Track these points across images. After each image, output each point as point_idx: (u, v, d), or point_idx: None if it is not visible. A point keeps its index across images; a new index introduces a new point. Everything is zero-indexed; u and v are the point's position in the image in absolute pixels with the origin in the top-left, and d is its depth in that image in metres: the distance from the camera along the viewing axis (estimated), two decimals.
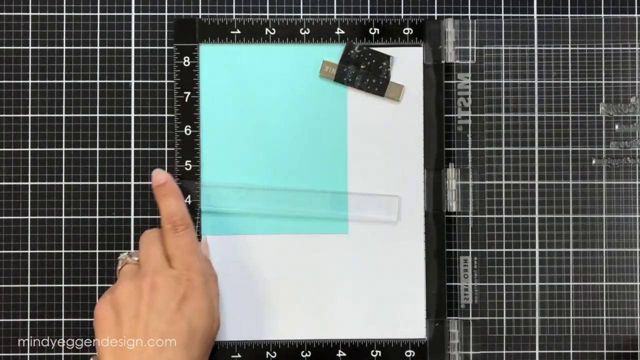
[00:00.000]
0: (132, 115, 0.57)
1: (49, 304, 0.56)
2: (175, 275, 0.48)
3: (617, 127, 0.57)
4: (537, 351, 0.57)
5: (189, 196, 0.56)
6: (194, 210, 0.56)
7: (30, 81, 0.57)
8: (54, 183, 0.57)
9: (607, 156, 0.57)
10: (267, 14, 0.58)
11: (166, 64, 0.57)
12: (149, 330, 0.46)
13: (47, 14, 0.57)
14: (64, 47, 0.57)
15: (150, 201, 0.57)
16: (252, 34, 0.56)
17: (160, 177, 0.52)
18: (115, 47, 0.57)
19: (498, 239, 0.57)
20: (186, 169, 0.56)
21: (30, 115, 0.57)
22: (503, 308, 0.57)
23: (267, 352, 0.56)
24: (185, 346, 0.47)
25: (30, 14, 0.57)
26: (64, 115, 0.57)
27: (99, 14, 0.57)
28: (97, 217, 0.57)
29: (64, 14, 0.57)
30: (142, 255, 0.50)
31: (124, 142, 0.57)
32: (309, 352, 0.56)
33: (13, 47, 0.57)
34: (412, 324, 0.56)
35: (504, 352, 0.57)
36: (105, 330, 0.47)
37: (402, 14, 0.58)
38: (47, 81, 0.57)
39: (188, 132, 0.56)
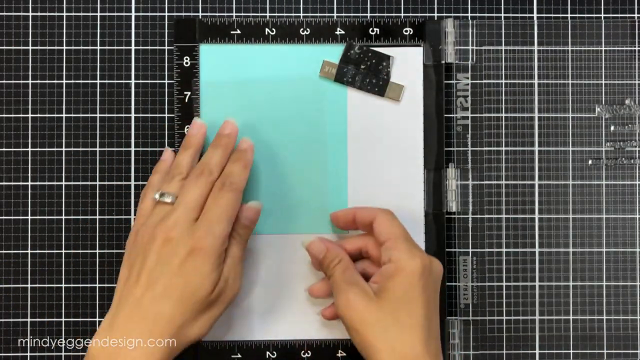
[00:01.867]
0: (132, 115, 0.57)
1: (49, 304, 0.56)
2: (190, 231, 0.48)
3: (612, 127, 0.58)
4: (537, 351, 0.57)
5: None
6: None
7: (30, 81, 0.57)
8: (54, 183, 0.57)
9: (605, 157, 0.57)
10: (267, 14, 0.58)
11: (166, 64, 0.57)
12: (151, 279, 0.47)
13: (47, 14, 0.57)
14: (64, 47, 0.57)
15: None
16: (252, 34, 0.56)
17: (243, 144, 0.53)
18: (115, 47, 0.57)
19: (498, 239, 0.57)
20: None
21: (30, 115, 0.57)
22: (503, 308, 0.57)
23: (267, 352, 0.56)
24: (179, 301, 0.47)
25: (30, 14, 0.57)
26: (64, 115, 0.57)
27: (99, 14, 0.57)
28: (97, 217, 0.57)
29: (64, 14, 0.57)
30: (180, 198, 0.50)
31: (124, 142, 0.57)
32: (309, 352, 0.56)
33: (13, 47, 0.57)
34: None
35: (504, 352, 0.57)
36: (124, 260, 0.50)
37: (402, 14, 0.58)
38: (47, 81, 0.57)
39: None
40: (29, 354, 0.56)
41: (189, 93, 0.56)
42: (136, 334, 0.46)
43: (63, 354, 0.56)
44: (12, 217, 0.57)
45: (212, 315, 0.49)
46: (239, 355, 0.56)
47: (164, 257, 0.48)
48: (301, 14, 0.58)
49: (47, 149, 0.57)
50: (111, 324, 0.47)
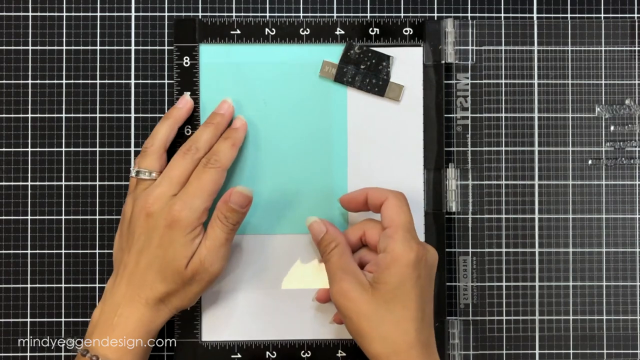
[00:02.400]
0: (132, 115, 0.57)
1: (49, 304, 0.56)
2: (169, 204, 0.50)
3: (612, 128, 0.58)
4: (537, 351, 0.57)
5: None
6: None
7: (30, 81, 0.57)
8: (54, 183, 0.57)
9: (605, 157, 0.57)
10: (267, 14, 0.58)
11: (166, 64, 0.57)
12: (138, 250, 0.51)
13: (47, 14, 0.57)
14: (64, 47, 0.57)
15: None
16: (252, 34, 0.56)
17: (237, 121, 0.55)
18: (115, 47, 0.57)
19: (498, 239, 0.57)
20: None
21: (30, 115, 0.57)
22: (503, 308, 0.57)
23: (267, 352, 0.56)
24: (159, 271, 0.50)
25: (30, 14, 0.57)
26: (64, 115, 0.57)
27: (99, 14, 0.57)
28: (97, 217, 0.57)
29: (64, 14, 0.57)
30: (165, 172, 0.52)
31: (124, 142, 0.57)
32: (309, 352, 0.56)
33: (13, 47, 0.57)
34: None
35: (504, 352, 0.57)
36: (119, 230, 0.53)
37: (402, 14, 0.58)
38: (47, 81, 0.57)
39: (188, 132, 0.56)
40: (29, 354, 0.56)
41: (189, 93, 0.56)
42: (128, 298, 0.50)
43: (63, 354, 0.56)
44: (12, 217, 0.57)
45: (192, 290, 0.52)
46: (239, 355, 0.56)
47: (146, 230, 0.51)
48: (301, 14, 0.58)
49: (47, 149, 0.57)
50: (109, 289, 0.52)
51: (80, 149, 0.57)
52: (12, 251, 0.57)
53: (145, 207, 0.51)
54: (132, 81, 0.57)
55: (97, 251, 0.57)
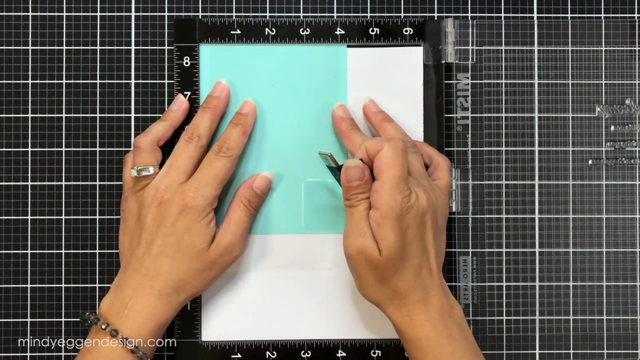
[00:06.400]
0: (132, 115, 0.57)
1: (49, 304, 0.56)
2: (181, 191, 0.51)
3: (612, 127, 0.58)
4: (537, 351, 0.57)
5: None
6: None
7: (30, 81, 0.57)
8: (54, 183, 0.57)
9: (605, 157, 0.57)
10: (267, 14, 0.58)
11: (166, 64, 0.57)
12: (149, 240, 0.51)
13: (47, 14, 0.57)
14: (64, 47, 0.57)
15: None
16: (252, 34, 0.56)
17: (245, 105, 0.55)
18: (115, 47, 0.57)
19: (498, 239, 0.57)
20: None
21: (30, 115, 0.57)
22: (503, 308, 0.57)
23: (267, 352, 0.56)
24: (174, 259, 0.51)
25: (30, 14, 0.57)
26: (64, 115, 0.57)
27: (99, 14, 0.57)
28: (97, 217, 0.57)
29: (64, 14, 0.57)
30: (170, 161, 0.53)
31: (124, 142, 0.57)
32: (309, 352, 0.56)
33: (13, 47, 0.57)
34: None
35: (504, 352, 0.57)
36: (123, 227, 0.54)
37: (402, 14, 0.58)
38: (47, 81, 0.57)
39: None
40: (29, 354, 0.56)
41: (189, 93, 0.56)
42: (140, 290, 0.51)
43: (63, 354, 0.56)
44: (12, 217, 0.57)
45: (210, 274, 0.53)
46: (239, 355, 0.56)
47: (158, 219, 0.51)
48: (301, 14, 0.58)
49: (47, 149, 0.57)
50: (118, 284, 0.52)
51: (80, 149, 0.57)
52: (12, 251, 0.57)
53: (156, 196, 0.51)
54: (132, 81, 0.57)
55: (97, 251, 0.57)
